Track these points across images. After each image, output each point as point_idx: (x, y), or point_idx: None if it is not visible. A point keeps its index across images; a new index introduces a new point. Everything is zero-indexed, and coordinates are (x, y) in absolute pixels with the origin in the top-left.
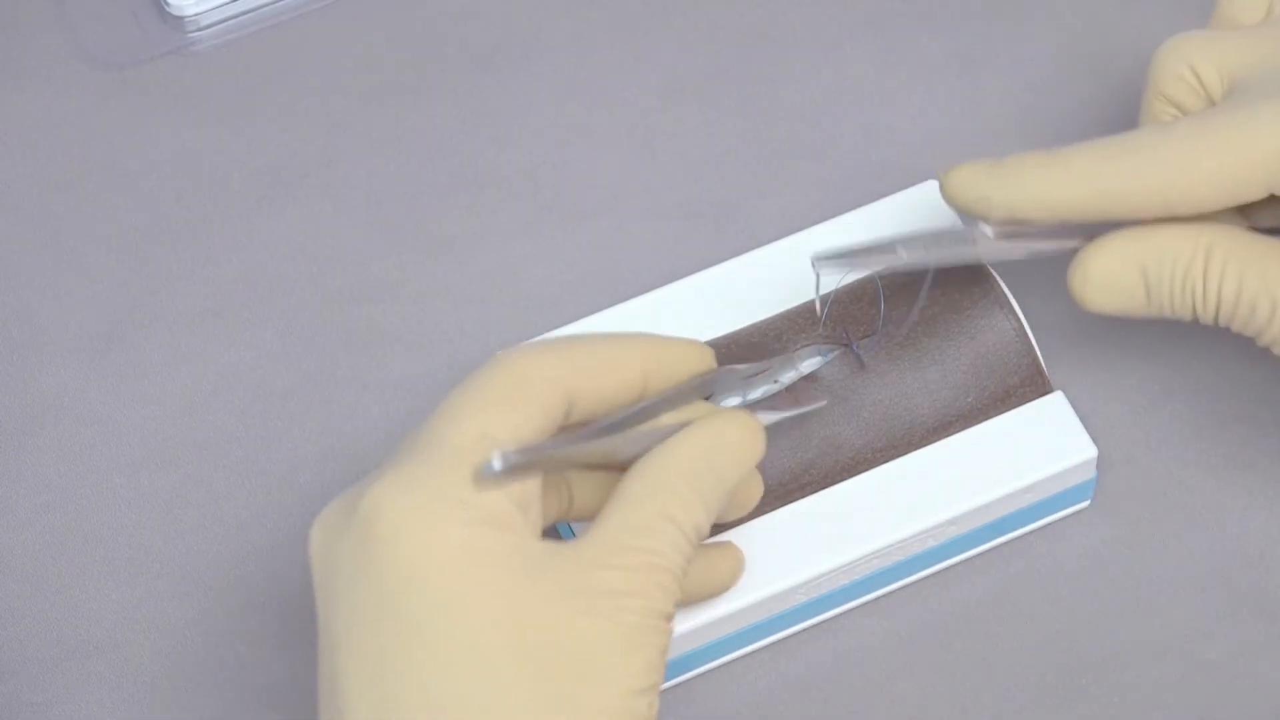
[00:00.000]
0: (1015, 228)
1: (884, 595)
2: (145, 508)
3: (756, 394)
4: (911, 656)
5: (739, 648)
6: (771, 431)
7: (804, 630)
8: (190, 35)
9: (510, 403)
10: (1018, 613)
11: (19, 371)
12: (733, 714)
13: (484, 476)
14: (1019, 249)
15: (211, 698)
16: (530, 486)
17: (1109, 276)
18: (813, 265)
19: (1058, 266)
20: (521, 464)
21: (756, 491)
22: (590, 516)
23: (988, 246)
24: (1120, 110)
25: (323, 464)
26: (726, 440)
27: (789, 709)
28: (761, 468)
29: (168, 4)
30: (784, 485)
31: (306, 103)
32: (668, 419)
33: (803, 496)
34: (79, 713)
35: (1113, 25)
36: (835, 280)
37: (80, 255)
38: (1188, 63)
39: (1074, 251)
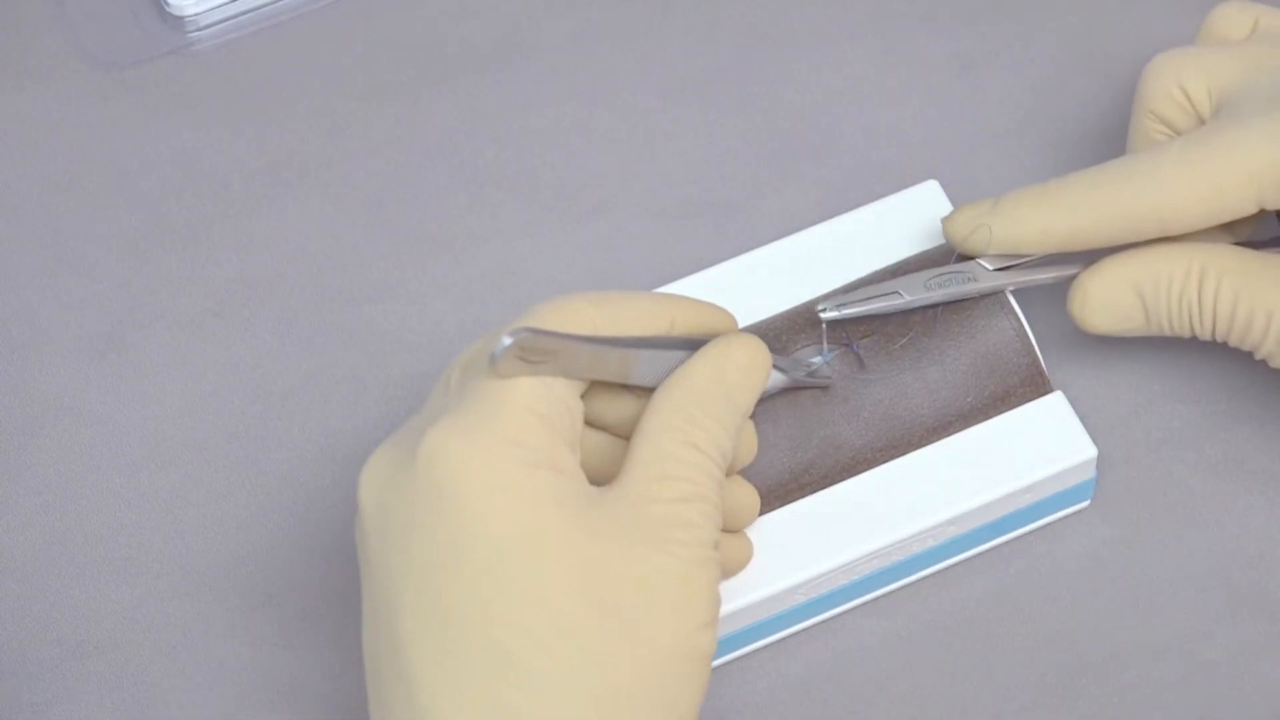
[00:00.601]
0: (1013, 259)
1: (884, 595)
2: (145, 508)
3: None
4: (911, 656)
5: (739, 647)
6: (773, 431)
7: (804, 630)
8: (190, 35)
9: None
10: (1018, 613)
11: (19, 371)
12: (733, 714)
13: (498, 358)
14: (1017, 279)
15: (211, 698)
16: (575, 422)
17: (1107, 300)
18: (819, 314)
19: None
20: (532, 344)
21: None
22: (597, 478)
23: (987, 280)
24: (1120, 110)
25: (323, 464)
26: (733, 361)
27: (789, 709)
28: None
29: (168, 4)
30: (784, 485)
31: (306, 103)
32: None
33: (803, 496)
34: (79, 713)
35: (1113, 25)
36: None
37: (80, 255)
38: (1177, 81)
39: (1071, 278)
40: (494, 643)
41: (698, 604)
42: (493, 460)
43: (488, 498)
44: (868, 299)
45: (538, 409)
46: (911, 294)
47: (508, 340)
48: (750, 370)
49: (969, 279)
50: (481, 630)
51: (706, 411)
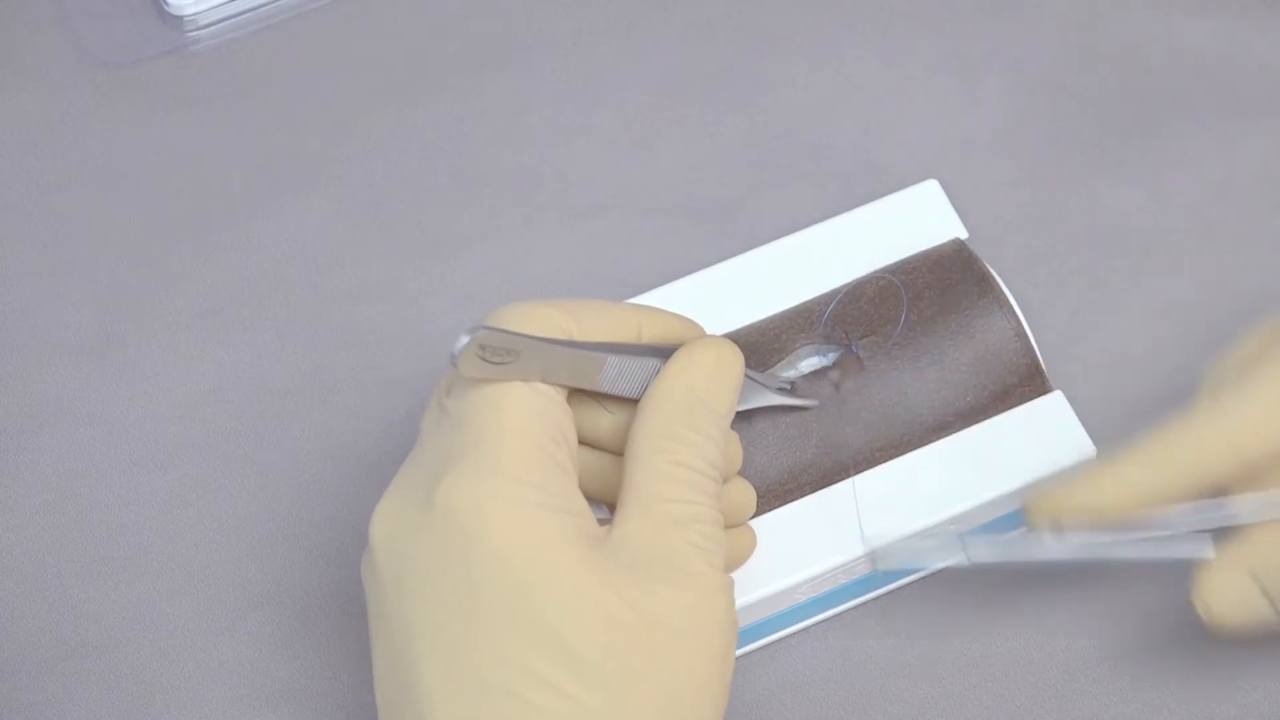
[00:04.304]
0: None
1: (884, 595)
2: (145, 508)
3: None
4: (911, 657)
5: (739, 647)
6: (772, 431)
7: (804, 630)
8: (190, 35)
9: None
10: (1017, 612)
11: (19, 371)
12: (733, 714)
13: (458, 357)
14: (1096, 547)
15: (211, 698)
16: (571, 442)
17: (1229, 598)
18: (874, 562)
19: (1054, 264)
20: (491, 342)
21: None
22: (589, 492)
23: (1058, 547)
24: (1119, 110)
25: (322, 463)
26: (703, 367)
27: (789, 709)
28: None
29: (167, 3)
30: (784, 485)
31: (306, 103)
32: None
33: (802, 496)
34: (78, 713)
35: (1112, 25)
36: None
37: (80, 255)
38: None
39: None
40: (513, 693)
41: (712, 630)
42: (511, 508)
43: (509, 547)
44: (931, 551)
45: (540, 440)
46: (976, 554)
47: (465, 338)
48: (721, 371)
49: (1039, 542)
50: (500, 680)
51: (688, 424)
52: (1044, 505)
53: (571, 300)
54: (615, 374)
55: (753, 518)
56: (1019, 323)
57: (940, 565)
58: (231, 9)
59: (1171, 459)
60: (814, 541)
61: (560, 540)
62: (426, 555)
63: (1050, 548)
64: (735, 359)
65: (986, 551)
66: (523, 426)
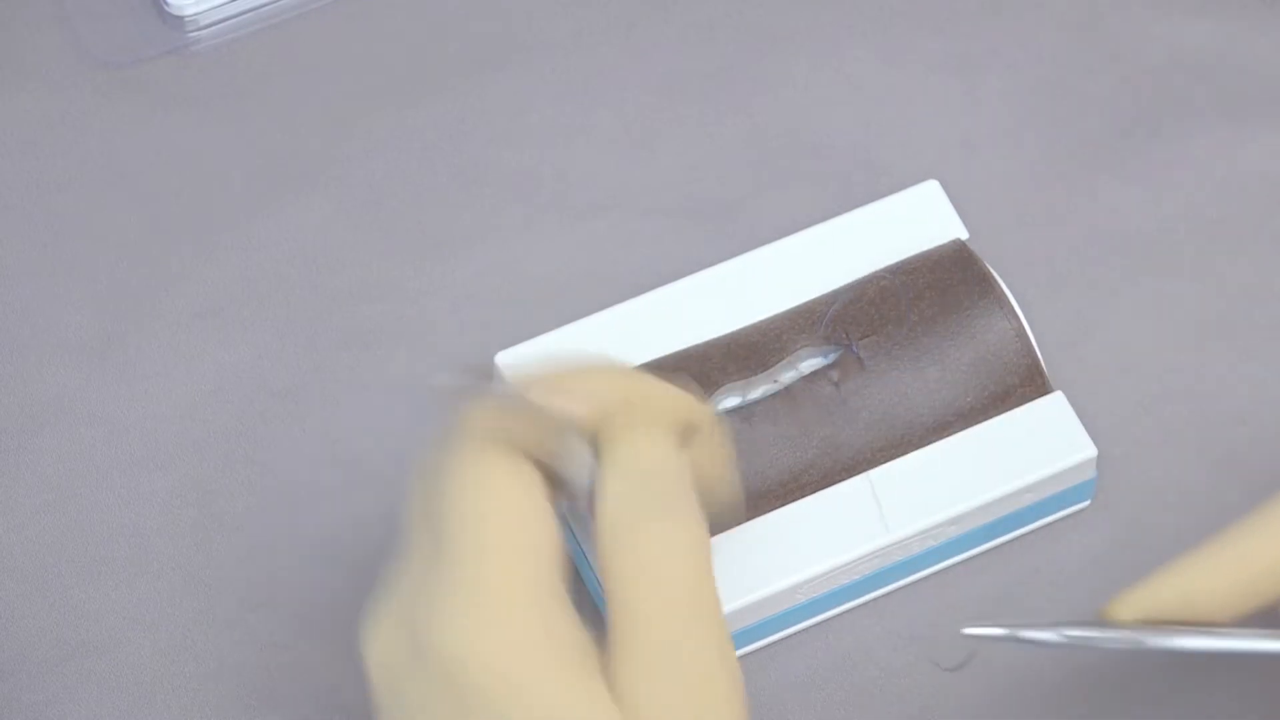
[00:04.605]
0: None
1: (884, 595)
2: (145, 508)
3: (756, 394)
4: (911, 656)
5: (739, 648)
6: (772, 431)
7: (804, 630)
8: (190, 35)
9: (512, 463)
10: (1018, 613)
11: (19, 371)
12: None
13: (448, 399)
14: (1186, 641)
15: (211, 698)
16: (558, 552)
17: None
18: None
19: (1054, 264)
20: (464, 376)
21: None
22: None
23: (1148, 638)
24: (1120, 110)
25: (322, 464)
26: (645, 450)
27: (789, 709)
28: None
29: (167, 3)
30: (784, 485)
31: (306, 103)
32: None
33: (802, 496)
34: (79, 713)
35: (1112, 24)
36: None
37: (80, 255)
38: None
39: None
40: None
41: (731, 692)
42: (512, 657)
43: (515, 704)
44: (1022, 625)
45: (532, 561)
46: (1067, 636)
47: (444, 376)
48: (666, 449)
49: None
50: None
51: (670, 499)
52: (1123, 608)
53: (572, 371)
54: (571, 457)
55: (753, 518)
56: (1019, 323)
57: (1031, 637)
58: (231, 9)
59: (1253, 549)
60: (814, 542)
61: (571, 686)
62: (427, 707)
63: (1137, 638)
64: (670, 439)
65: (1077, 634)
66: (512, 547)
